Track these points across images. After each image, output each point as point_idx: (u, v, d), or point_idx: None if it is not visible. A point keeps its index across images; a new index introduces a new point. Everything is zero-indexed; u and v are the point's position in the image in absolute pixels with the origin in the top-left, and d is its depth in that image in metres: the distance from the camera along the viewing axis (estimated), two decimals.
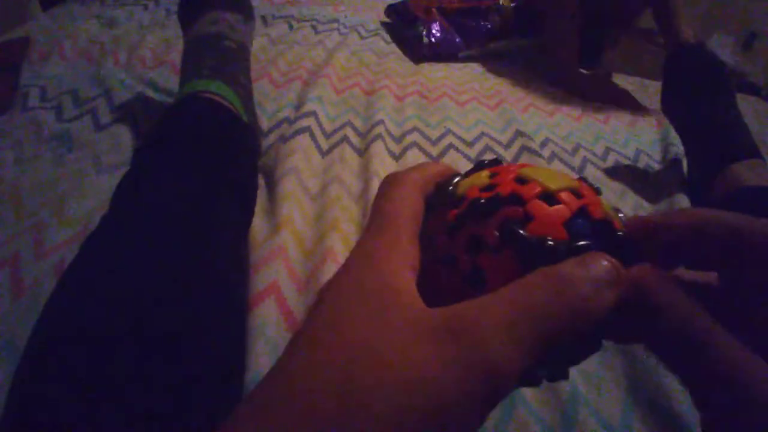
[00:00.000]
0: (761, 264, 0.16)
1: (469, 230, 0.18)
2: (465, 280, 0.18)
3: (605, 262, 0.16)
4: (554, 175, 0.19)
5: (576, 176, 0.20)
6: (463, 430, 0.14)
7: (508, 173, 0.19)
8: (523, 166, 0.20)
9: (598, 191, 0.20)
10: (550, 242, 0.16)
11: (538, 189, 0.18)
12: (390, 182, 0.20)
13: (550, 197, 0.18)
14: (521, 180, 0.19)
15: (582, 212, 0.18)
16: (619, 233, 0.18)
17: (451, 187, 0.20)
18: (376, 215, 0.19)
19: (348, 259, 0.18)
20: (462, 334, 0.14)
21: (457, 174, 0.22)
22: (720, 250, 0.17)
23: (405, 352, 0.14)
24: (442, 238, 0.19)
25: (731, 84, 0.79)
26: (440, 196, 0.20)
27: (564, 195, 0.18)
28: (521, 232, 0.17)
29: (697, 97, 0.78)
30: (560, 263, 0.16)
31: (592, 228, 0.18)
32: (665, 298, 0.16)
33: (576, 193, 0.18)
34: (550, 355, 0.15)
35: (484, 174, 0.20)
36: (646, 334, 0.16)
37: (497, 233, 0.17)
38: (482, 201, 0.18)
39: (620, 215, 0.19)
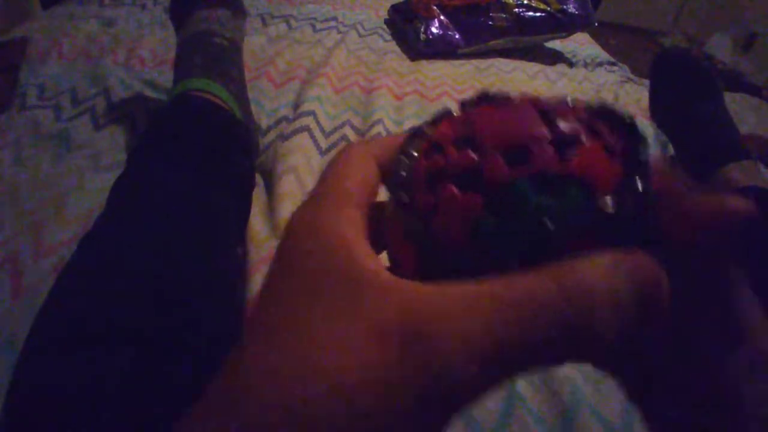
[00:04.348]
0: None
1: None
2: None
3: (655, 280, 0.13)
4: None
5: None
6: None
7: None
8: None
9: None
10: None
11: None
12: (340, 150, 0.18)
13: None
14: None
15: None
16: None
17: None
18: (320, 183, 0.16)
19: (290, 236, 0.15)
20: (420, 337, 0.12)
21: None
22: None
23: (347, 353, 0.12)
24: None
25: (719, 86, 0.79)
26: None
27: None
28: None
29: (685, 102, 0.78)
30: (580, 262, 0.12)
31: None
32: None
33: None
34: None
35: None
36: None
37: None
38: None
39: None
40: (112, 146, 0.67)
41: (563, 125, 0.14)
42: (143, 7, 1.11)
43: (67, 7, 1.07)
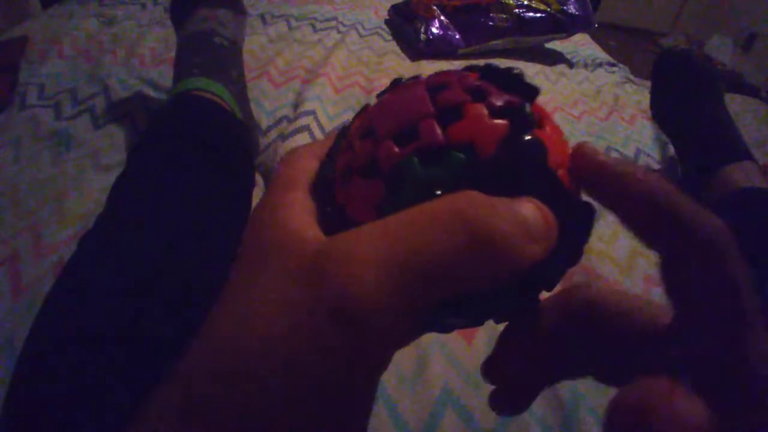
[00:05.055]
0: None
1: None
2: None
3: (536, 211, 0.13)
4: None
5: None
6: (337, 402, 0.13)
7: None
8: None
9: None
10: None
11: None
12: (287, 152, 0.19)
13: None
14: None
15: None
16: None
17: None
18: (270, 180, 0.18)
19: (246, 225, 0.17)
20: (326, 270, 0.12)
21: None
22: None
23: (275, 302, 0.13)
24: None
25: (720, 87, 0.79)
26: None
27: None
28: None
29: (686, 102, 0.78)
30: (473, 195, 0.13)
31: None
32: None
33: None
34: (451, 308, 0.14)
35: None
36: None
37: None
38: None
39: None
40: (112, 146, 0.67)
41: (447, 98, 0.15)
42: (143, 6, 1.11)
43: (67, 7, 1.07)
